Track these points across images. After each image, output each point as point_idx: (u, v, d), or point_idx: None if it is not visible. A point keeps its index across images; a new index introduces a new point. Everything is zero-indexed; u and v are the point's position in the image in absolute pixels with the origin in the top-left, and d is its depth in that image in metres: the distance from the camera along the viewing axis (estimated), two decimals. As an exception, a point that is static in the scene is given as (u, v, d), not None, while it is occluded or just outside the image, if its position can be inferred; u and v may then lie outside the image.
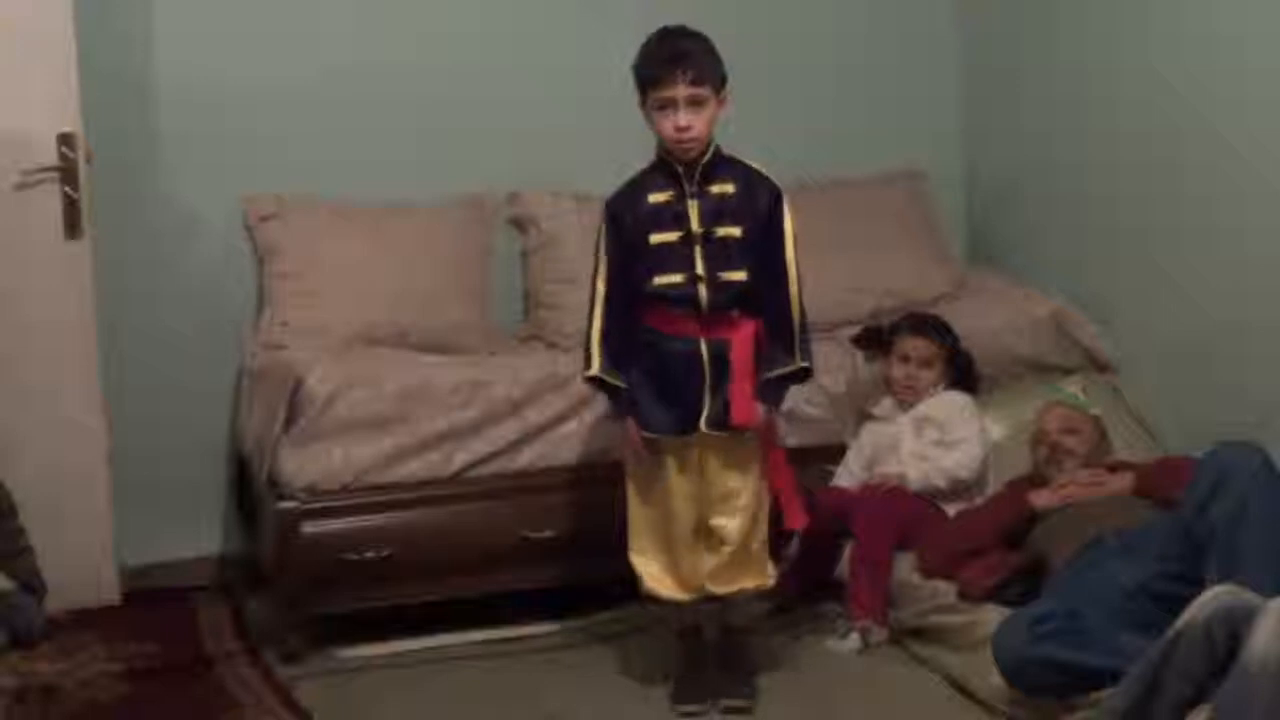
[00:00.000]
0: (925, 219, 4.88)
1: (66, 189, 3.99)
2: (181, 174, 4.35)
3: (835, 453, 4.18)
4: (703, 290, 3.29)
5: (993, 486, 4.00)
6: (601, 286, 3.38)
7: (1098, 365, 4.46)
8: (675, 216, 3.31)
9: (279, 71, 4.39)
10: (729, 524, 3.39)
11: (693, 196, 3.31)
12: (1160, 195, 4.26)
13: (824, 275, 4.56)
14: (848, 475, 4.12)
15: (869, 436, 4.15)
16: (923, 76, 5.08)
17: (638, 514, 3.46)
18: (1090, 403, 4.20)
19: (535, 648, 3.73)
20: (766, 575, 3.50)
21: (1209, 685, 2.63)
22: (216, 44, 4.35)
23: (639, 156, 4.64)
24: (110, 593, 4.15)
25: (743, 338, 3.33)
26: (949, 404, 4.09)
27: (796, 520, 3.47)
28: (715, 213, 3.31)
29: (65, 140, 3.98)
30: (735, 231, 3.31)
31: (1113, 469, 3.78)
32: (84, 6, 4.02)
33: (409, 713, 3.44)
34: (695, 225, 3.30)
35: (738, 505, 3.39)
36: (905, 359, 4.14)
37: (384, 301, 4.25)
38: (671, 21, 4.71)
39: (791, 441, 4.15)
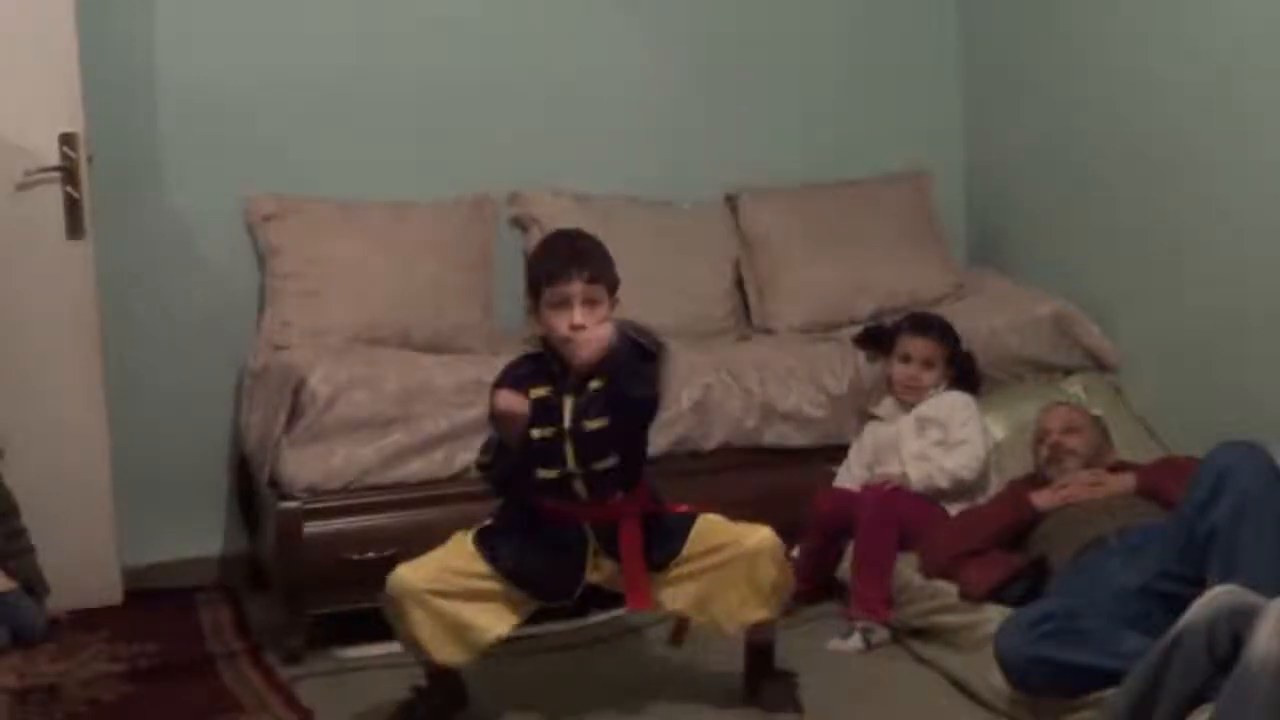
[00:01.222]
0: (927, 219, 4.89)
1: (68, 189, 3.99)
2: (183, 174, 4.35)
3: (837, 453, 4.18)
4: (578, 483, 3.25)
5: (995, 487, 4.01)
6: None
7: (1099, 365, 4.46)
8: (549, 411, 3.24)
9: (280, 72, 4.40)
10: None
11: (568, 392, 3.25)
12: (1160, 195, 4.26)
13: (826, 276, 4.60)
14: (849, 475, 4.12)
15: (870, 437, 4.15)
16: (924, 77, 5.08)
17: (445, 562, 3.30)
18: (1091, 403, 4.21)
19: (533, 649, 3.72)
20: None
21: (1210, 685, 2.63)
22: (218, 45, 4.35)
23: (639, 156, 4.69)
24: (112, 593, 4.15)
25: (631, 522, 3.27)
26: (950, 404, 4.09)
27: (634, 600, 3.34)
28: (585, 408, 3.23)
29: (67, 140, 3.98)
30: (602, 423, 3.23)
31: (1114, 469, 3.78)
32: (86, 7, 4.02)
33: (410, 712, 3.44)
34: (567, 421, 3.23)
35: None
36: (907, 359, 4.14)
37: (385, 301, 4.25)
38: (671, 19, 4.77)
39: (794, 442, 4.19)
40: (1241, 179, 3.97)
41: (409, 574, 3.24)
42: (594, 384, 3.22)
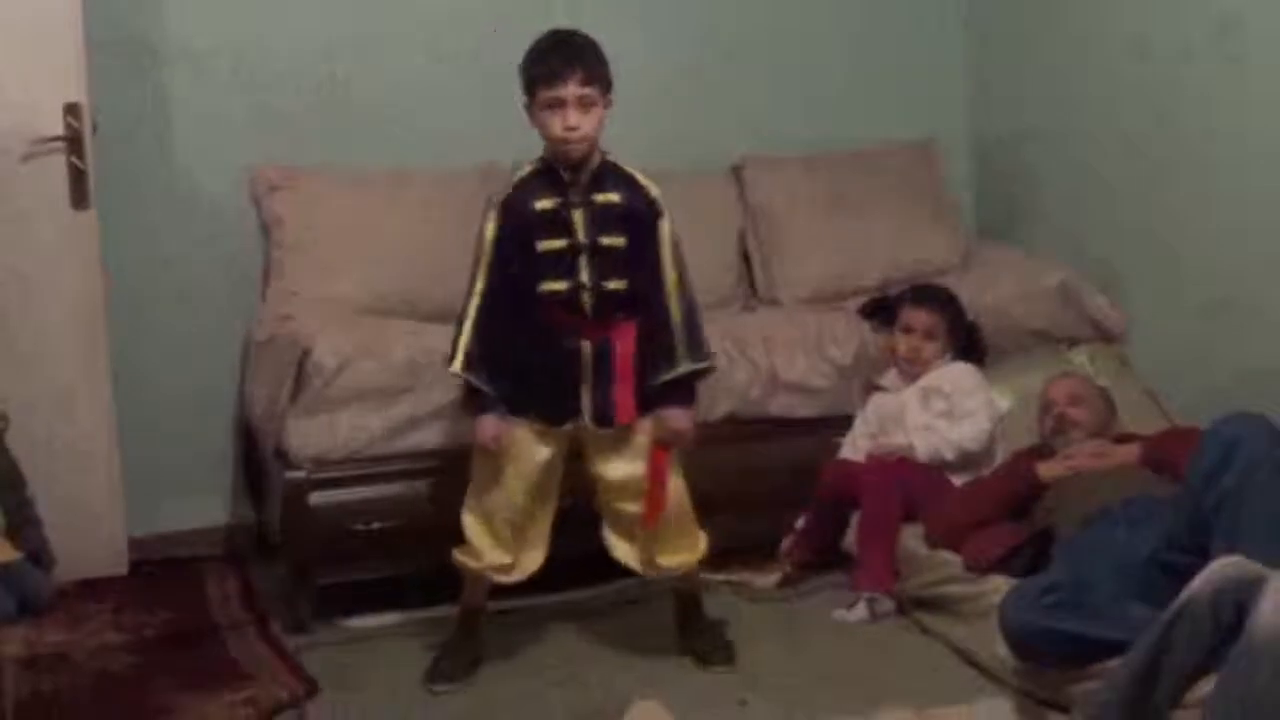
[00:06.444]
0: (933, 189, 4.87)
1: (73, 159, 3.98)
2: (189, 145, 4.34)
3: (842, 423, 4.18)
4: (586, 297, 3.30)
5: (1001, 458, 4.00)
6: (480, 284, 3.35)
7: (1105, 335, 4.45)
8: (561, 224, 3.30)
9: (287, 43, 4.38)
10: (632, 509, 3.41)
11: (578, 205, 3.29)
12: (1166, 164, 4.25)
13: (831, 245, 4.59)
14: (854, 446, 4.12)
15: (875, 408, 4.14)
16: (929, 46, 5.06)
17: (484, 486, 3.44)
18: (1097, 373, 4.20)
19: (538, 618, 3.74)
20: (696, 549, 3.50)
21: (1214, 655, 2.64)
22: (224, 14, 4.33)
23: (643, 111, 4.63)
24: (118, 563, 4.16)
25: (625, 339, 3.34)
26: (956, 375, 4.08)
27: (649, 517, 3.40)
28: (601, 222, 3.30)
29: (71, 110, 3.97)
30: (620, 241, 3.31)
31: (1120, 440, 3.78)
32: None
33: (416, 682, 3.45)
34: (581, 235, 3.29)
35: (637, 492, 3.39)
36: (909, 330, 4.13)
37: (392, 272, 4.24)
38: (673, 6, 4.75)
39: (799, 412, 4.18)
40: (1245, 147, 3.96)
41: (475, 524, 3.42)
42: (601, 197, 3.30)
